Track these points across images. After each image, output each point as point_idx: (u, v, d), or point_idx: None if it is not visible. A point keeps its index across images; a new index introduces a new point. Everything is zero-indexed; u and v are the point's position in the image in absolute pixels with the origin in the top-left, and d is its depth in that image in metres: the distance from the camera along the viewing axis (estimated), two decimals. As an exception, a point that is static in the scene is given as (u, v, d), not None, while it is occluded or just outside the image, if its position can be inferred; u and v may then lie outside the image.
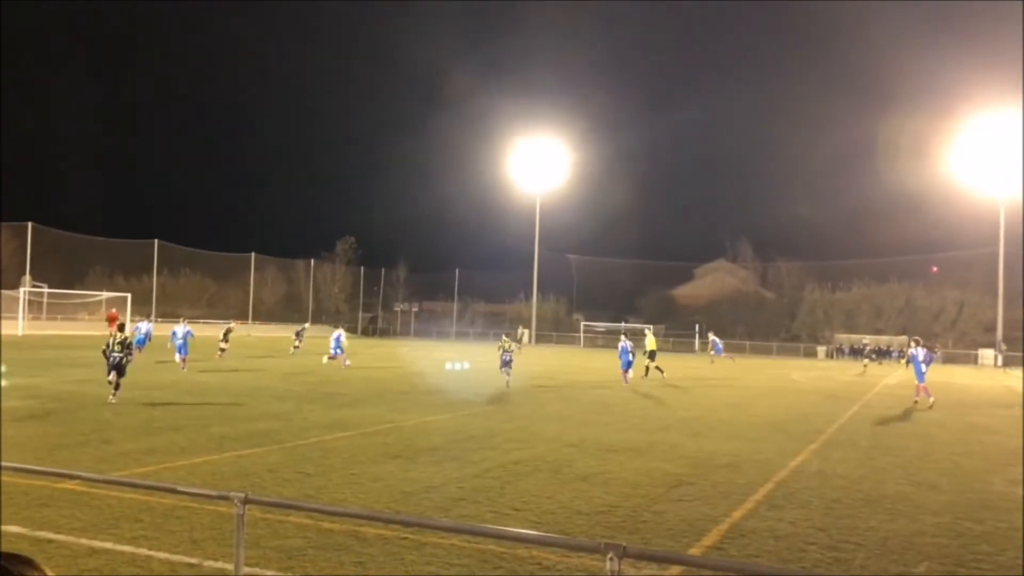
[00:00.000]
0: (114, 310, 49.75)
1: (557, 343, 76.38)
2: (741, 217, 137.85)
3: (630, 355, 28.77)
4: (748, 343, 72.68)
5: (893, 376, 41.96)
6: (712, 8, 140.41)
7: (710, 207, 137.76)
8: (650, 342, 32.02)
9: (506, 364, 25.43)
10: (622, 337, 30.85)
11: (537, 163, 75.67)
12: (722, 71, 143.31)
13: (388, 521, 6.45)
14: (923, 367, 24.42)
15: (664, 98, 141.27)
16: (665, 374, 30.74)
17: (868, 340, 66.90)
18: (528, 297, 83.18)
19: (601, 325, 76.94)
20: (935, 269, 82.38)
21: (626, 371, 28.29)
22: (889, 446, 14.88)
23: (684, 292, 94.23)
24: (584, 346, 72.65)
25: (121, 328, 19.31)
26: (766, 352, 70.17)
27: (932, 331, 74.10)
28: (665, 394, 24.87)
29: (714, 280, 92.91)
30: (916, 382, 24.47)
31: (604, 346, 71.90)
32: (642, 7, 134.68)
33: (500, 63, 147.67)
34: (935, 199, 74.57)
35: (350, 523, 7.54)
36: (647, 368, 30.65)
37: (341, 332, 33.52)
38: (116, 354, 18.33)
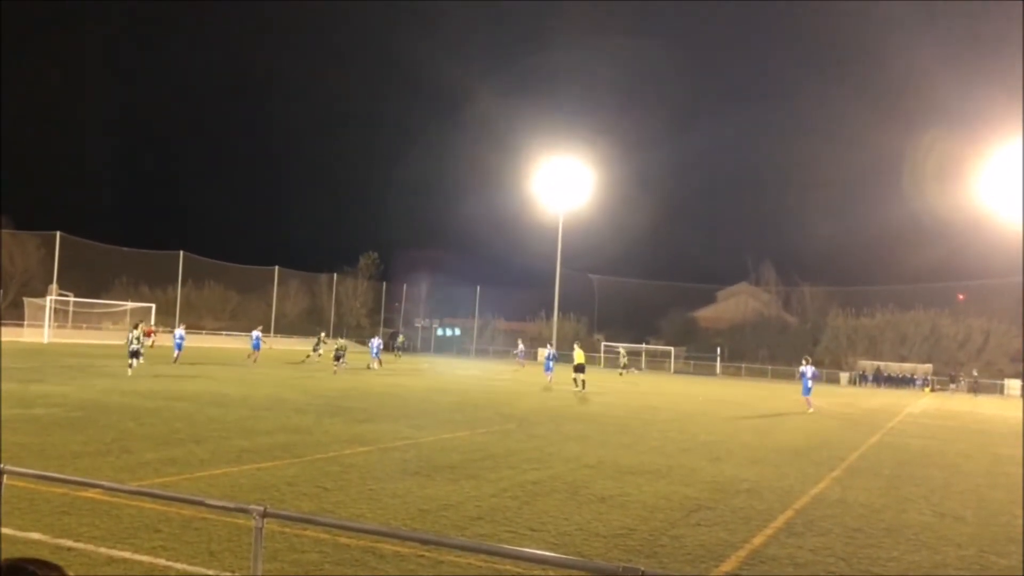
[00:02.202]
0: (152, 326, 52.81)
1: (577, 363, 76.12)
2: (764, 240, 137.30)
3: (551, 363, 40.33)
4: (770, 368, 72.12)
5: (917, 404, 41.48)
6: (738, 29, 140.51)
7: (733, 229, 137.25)
8: (577, 355, 35.08)
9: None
10: (548, 346, 36.18)
11: (560, 182, 75.75)
12: (747, 92, 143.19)
13: (405, 538, 6.44)
14: (809, 383, 30.56)
15: (689, 119, 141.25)
16: (586, 389, 33.51)
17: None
18: (549, 316, 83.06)
19: (622, 346, 76.67)
20: (962, 297, 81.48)
21: (549, 375, 38.00)
22: (912, 475, 14.68)
23: (706, 315, 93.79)
24: (605, 366, 72.35)
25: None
26: (788, 377, 69.59)
27: (957, 359, 73.21)
28: (685, 417, 24.72)
29: (737, 303, 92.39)
30: (802, 395, 30.35)
31: (625, 367, 71.69)
32: (667, 27, 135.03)
33: (526, 82, 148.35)
34: (962, 225, 73.97)
35: (367, 539, 7.54)
36: (575, 380, 33.89)
37: (378, 340, 41.72)
38: (135, 345, 29.81)
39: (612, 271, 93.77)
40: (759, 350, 78.56)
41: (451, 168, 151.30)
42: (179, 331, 40.94)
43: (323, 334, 51.01)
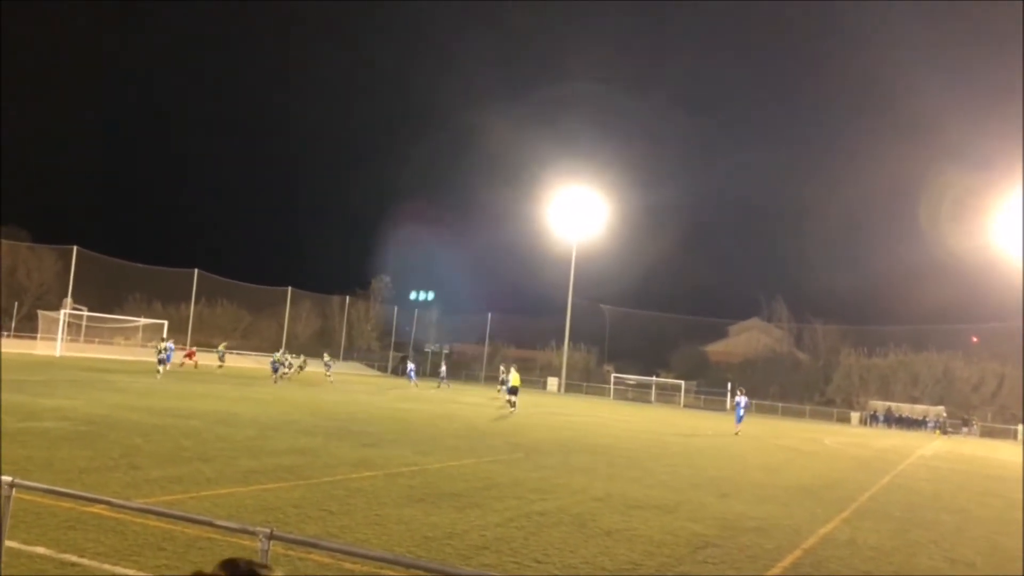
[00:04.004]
0: (193, 348, 55.00)
1: (586, 393, 75.89)
2: (777, 276, 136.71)
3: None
4: (780, 405, 71.66)
5: (928, 447, 41.07)
6: (755, 66, 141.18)
7: (747, 264, 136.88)
8: (513, 378, 36.93)
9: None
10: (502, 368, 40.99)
11: (574, 212, 76.03)
12: (764, 128, 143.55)
13: (410, 566, 6.39)
14: (742, 411, 35.57)
15: (705, 153, 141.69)
16: (515, 410, 34.87)
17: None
18: (559, 345, 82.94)
19: (632, 378, 76.35)
20: (976, 339, 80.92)
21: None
22: (923, 519, 14.51)
23: (717, 349, 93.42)
24: (614, 398, 72.05)
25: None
26: (799, 415, 69.13)
27: (971, 403, 72.56)
28: (694, 452, 24.55)
29: (748, 339, 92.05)
30: (735, 423, 34.72)
31: (634, 399, 71.33)
32: (682, 60, 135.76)
33: (541, 112, 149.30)
34: (978, 267, 73.60)
35: (372, 565, 7.49)
36: (509, 401, 35.92)
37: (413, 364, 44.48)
38: (162, 355, 37.42)
39: (624, 302, 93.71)
40: (770, 386, 78.11)
41: (465, 196, 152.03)
42: (167, 343, 41.16)
43: (282, 351, 53.10)
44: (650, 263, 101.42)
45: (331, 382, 48.79)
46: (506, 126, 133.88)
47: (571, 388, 76.65)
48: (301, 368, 53.37)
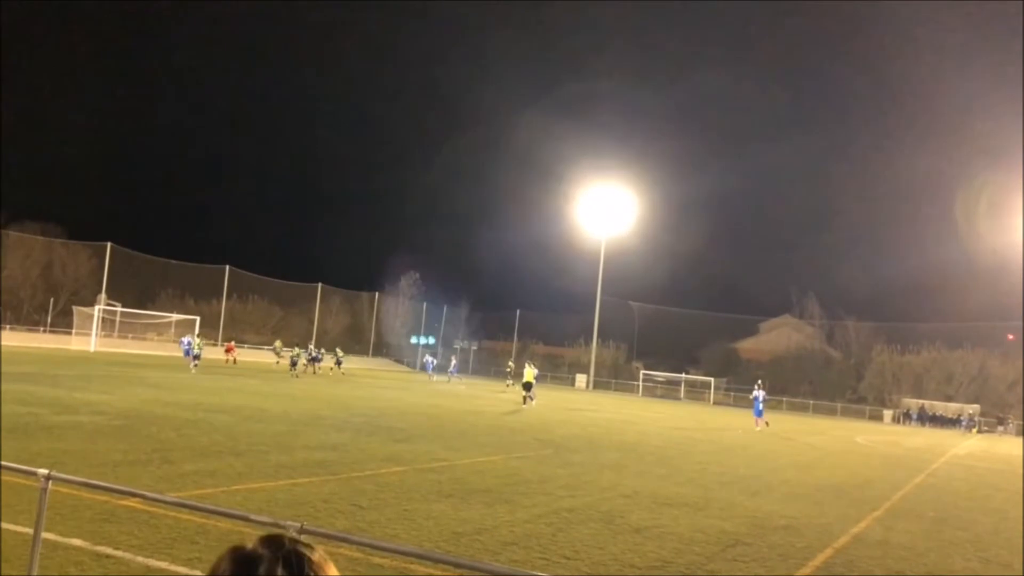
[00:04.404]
0: (232, 343, 56.69)
1: (615, 390, 75.70)
2: (809, 272, 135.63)
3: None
4: (812, 402, 70.99)
5: (963, 445, 40.50)
6: (786, 58, 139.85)
7: (778, 260, 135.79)
8: (528, 374, 36.91)
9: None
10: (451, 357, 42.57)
11: (603, 208, 75.81)
12: (796, 122, 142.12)
13: (439, 561, 6.42)
14: (761, 405, 35.35)
15: (736, 147, 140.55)
16: (530, 405, 34.95)
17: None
18: (588, 342, 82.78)
19: (661, 375, 76.03)
20: (1011, 337, 79.59)
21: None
22: (958, 519, 14.31)
23: (748, 346, 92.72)
24: (642, 395, 71.81)
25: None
26: (830, 413, 68.47)
27: (1006, 401, 71.44)
28: (724, 449, 24.41)
29: (779, 336, 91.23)
30: (755, 416, 35.18)
31: (663, 396, 71.06)
32: (713, 55, 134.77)
33: (569, 108, 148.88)
34: (1014, 264, 72.28)
35: (401, 559, 7.52)
36: (524, 397, 35.94)
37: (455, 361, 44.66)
38: (196, 351, 40.49)
39: (653, 299, 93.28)
40: (801, 384, 77.40)
41: (494, 192, 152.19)
42: (187, 339, 45.15)
43: (338, 350, 54.65)
44: (680, 259, 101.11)
45: (343, 375, 49.56)
46: (536, 123, 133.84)
47: (600, 385, 76.50)
48: (339, 363, 53.89)
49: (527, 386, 36.09)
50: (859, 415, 68.85)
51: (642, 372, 77.39)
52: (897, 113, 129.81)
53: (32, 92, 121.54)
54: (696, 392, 73.87)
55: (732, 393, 74.39)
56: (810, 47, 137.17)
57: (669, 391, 74.37)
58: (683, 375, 75.58)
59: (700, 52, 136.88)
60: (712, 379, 73.66)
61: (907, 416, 68.13)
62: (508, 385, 53.51)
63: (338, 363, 53.81)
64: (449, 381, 58.16)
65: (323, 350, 55.48)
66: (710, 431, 32.74)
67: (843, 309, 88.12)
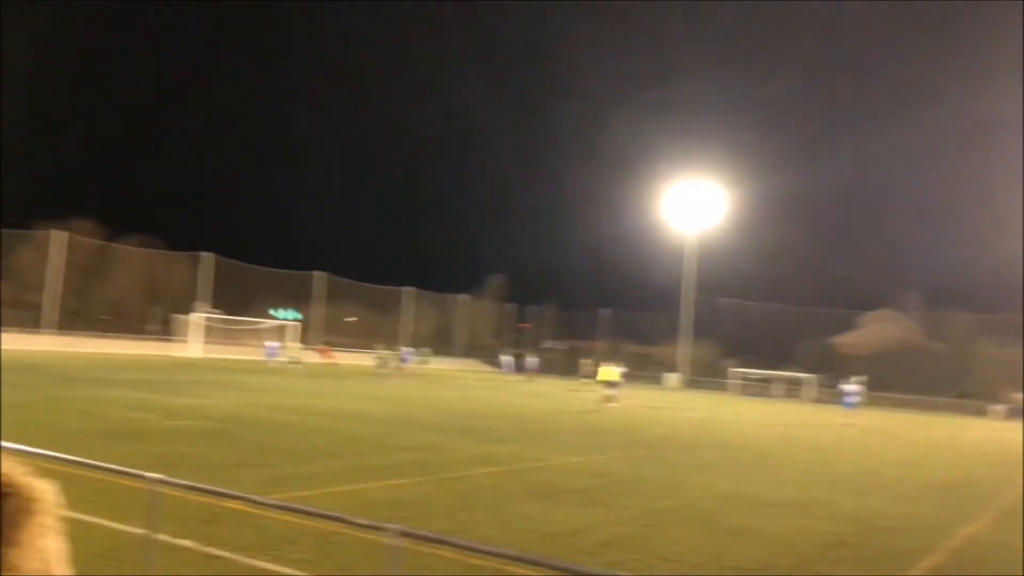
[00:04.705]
0: (328, 346, 59.24)
1: (707, 389, 74.49)
2: (909, 264, 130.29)
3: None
4: (914, 398, 68.41)
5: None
6: (881, 46, 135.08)
7: (875, 251, 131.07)
8: (610, 373, 35.72)
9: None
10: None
11: (691, 202, 74.73)
12: (893, 108, 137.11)
13: (535, 564, 6.39)
14: (853, 400, 35.45)
15: (829, 135, 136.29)
16: (613, 405, 33.49)
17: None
18: (677, 340, 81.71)
19: (755, 372, 74.43)
20: None
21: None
22: (1079, 520, 13.54)
23: (845, 341, 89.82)
24: (735, 393, 70.45)
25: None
26: (934, 408, 65.86)
27: None
28: (824, 447, 23.73)
29: (878, 330, 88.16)
30: (844, 409, 35.42)
31: (758, 394, 69.62)
32: (806, 43, 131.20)
33: (656, 100, 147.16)
34: None
35: (497, 561, 7.54)
36: (606, 396, 34.60)
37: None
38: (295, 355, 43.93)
39: (745, 295, 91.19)
40: (902, 379, 74.63)
41: (579, 190, 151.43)
42: (273, 343, 51.11)
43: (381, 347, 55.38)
44: (772, 253, 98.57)
45: (430, 376, 50.26)
46: (621, 119, 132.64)
47: (691, 384, 75.35)
48: (424, 363, 54.97)
49: (609, 385, 35.77)
50: (964, 411, 65.97)
51: (735, 370, 75.90)
52: (1000, 95, 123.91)
53: (137, 114, 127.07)
54: (792, 389, 72.02)
55: (829, 390, 72.26)
56: (908, 35, 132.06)
57: (763, 389, 72.72)
58: (778, 372, 73.85)
59: (792, 41, 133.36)
60: (809, 376, 71.72)
61: (1017, 412, 64.92)
62: (585, 384, 53.40)
63: (424, 363, 55.24)
64: (529, 380, 58.39)
65: (413, 350, 56.54)
66: (808, 429, 31.89)
67: (946, 300, 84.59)
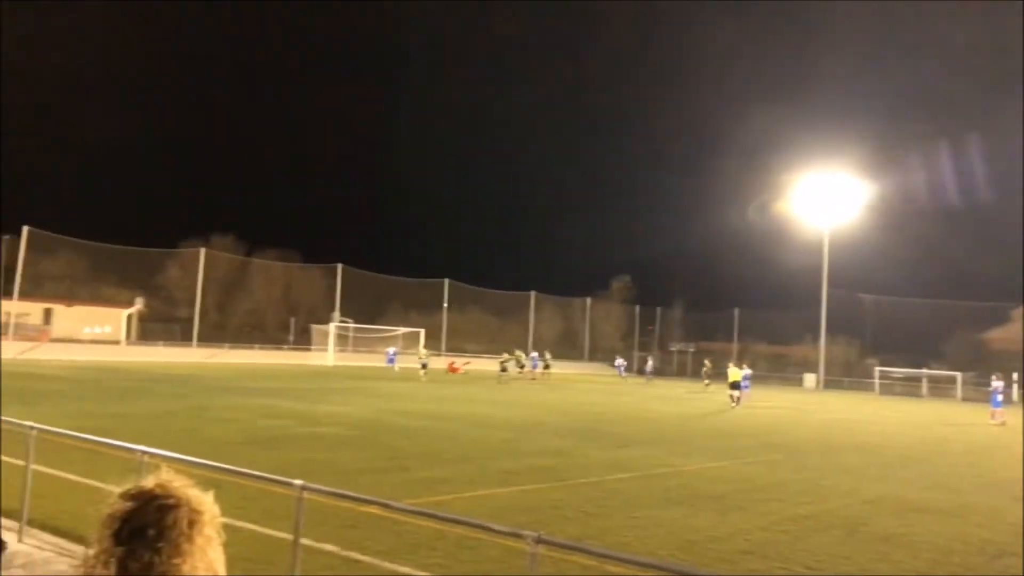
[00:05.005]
0: (455, 362, 58.83)
1: (848, 389, 71.54)
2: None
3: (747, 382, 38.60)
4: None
5: None
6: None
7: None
8: (733, 374, 36.30)
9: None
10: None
11: (825, 196, 71.86)
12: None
13: (674, 572, 6.23)
14: (999, 397, 34.57)
15: (975, 120, 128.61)
16: (739, 404, 34.36)
17: None
18: (815, 339, 78.75)
19: (899, 371, 70.90)
20: None
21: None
22: None
23: (999, 336, 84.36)
24: (880, 393, 67.31)
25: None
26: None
27: None
28: (979, 449, 22.31)
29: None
30: (992, 408, 34.45)
31: (903, 394, 66.42)
32: (947, 31, 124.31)
33: (784, 93, 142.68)
34: None
35: (635, 569, 7.40)
36: (731, 396, 35.34)
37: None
38: (424, 360, 45.76)
39: (886, 290, 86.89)
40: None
41: (707, 186, 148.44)
42: (392, 349, 53.50)
43: (517, 352, 56.26)
44: (914, 246, 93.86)
45: (552, 379, 49.84)
46: (753, 109, 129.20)
47: (830, 384, 72.52)
48: (547, 367, 55.20)
49: (734, 385, 35.78)
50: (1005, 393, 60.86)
51: (877, 369, 72.45)
52: None
53: (269, 134, 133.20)
54: (941, 388, 68.23)
55: (982, 388, 68.00)
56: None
57: (909, 388, 69.22)
58: (925, 370, 70.11)
59: (932, 29, 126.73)
60: (959, 374, 67.74)
61: None
62: (705, 385, 52.19)
63: (547, 367, 55.47)
64: (648, 383, 58.13)
65: (540, 355, 56.87)
66: (960, 429, 30.10)
67: (1111, 288, 78.21)
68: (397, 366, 52.69)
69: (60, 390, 25.44)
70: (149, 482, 1.47)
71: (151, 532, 1.39)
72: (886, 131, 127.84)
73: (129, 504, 1.43)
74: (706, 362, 58.44)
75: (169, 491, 1.45)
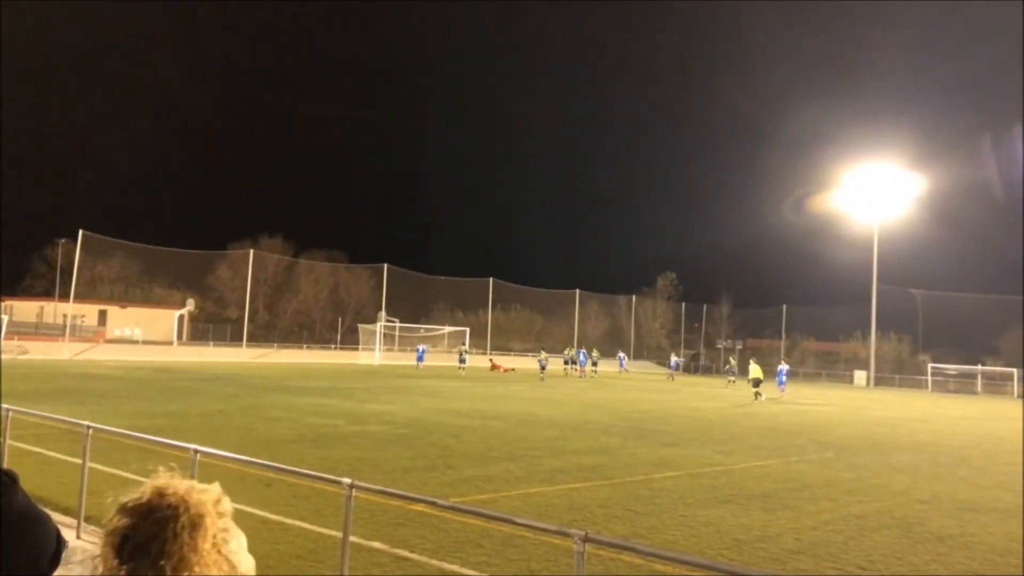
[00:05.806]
0: (495, 361, 60.39)
1: (899, 386, 70.18)
2: None
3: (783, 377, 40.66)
4: None
5: None
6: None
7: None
8: (754, 371, 37.14)
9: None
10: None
11: (875, 189, 70.46)
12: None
13: (723, 572, 6.18)
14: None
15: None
16: (762, 398, 35.41)
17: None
18: (865, 335, 77.38)
19: (952, 368, 69.35)
20: None
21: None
22: None
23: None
24: (932, 390, 65.94)
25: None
26: None
27: None
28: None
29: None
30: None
31: (957, 391, 65.00)
32: (999, 15, 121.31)
33: (833, 85, 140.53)
34: None
35: (683, 568, 7.36)
36: (755, 394, 35.88)
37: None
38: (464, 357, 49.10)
39: (938, 285, 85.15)
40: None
41: (753, 180, 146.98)
42: (422, 347, 54.63)
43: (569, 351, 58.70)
44: (967, 240, 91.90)
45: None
46: (793, 102, 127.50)
47: (881, 381, 71.17)
48: (594, 365, 55.72)
49: (756, 382, 36.45)
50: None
51: (930, 365, 70.93)
52: None
53: (315, 139, 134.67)
54: (996, 385, 66.63)
55: (1037, 385, 66.28)
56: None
57: (963, 385, 67.68)
58: (979, 367, 68.49)
59: (984, 18, 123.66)
60: (1015, 370, 66.04)
61: None
62: (731, 382, 51.74)
63: (594, 364, 56.14)
64: (671, 379, 58.46)
65: (587, 353, 56.81)
66: (1017, 427, 29.34)
67: None
68: (424, 364, 52.82)
69: (115, 390, 26.03)
70: (147, 490, 1.43)
71: (153, 548, 1.36)
72: (937, 123, 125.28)
73: (127, 520, 1.39)
74: (731, 360, 58.34)
75: (167, 499, 1.41)
